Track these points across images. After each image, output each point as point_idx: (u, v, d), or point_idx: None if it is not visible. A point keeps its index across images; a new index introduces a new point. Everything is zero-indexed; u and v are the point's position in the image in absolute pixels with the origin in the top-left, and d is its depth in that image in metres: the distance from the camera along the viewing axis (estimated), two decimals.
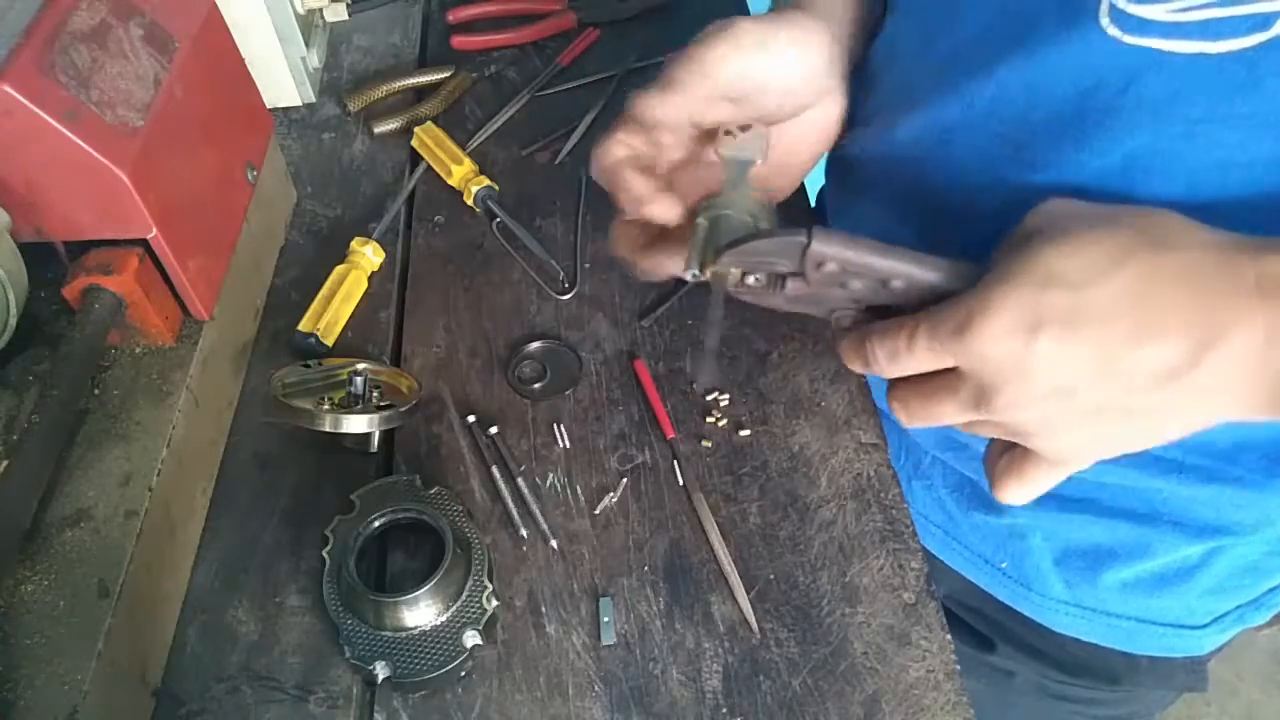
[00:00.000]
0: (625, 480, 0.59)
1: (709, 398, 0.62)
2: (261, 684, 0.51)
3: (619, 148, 0.46)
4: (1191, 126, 0.40)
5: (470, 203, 0.74)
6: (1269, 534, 0.57)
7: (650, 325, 0.67)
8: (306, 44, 0.82)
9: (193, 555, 0.56)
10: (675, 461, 0.59)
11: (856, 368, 0.42)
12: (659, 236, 0.48)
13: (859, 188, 0.61)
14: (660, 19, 0.92)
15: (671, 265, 0.46)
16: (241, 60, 0.66)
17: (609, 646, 0.52)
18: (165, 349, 0.57)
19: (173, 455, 0.53)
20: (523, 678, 0.51)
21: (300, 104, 0.84)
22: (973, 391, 0.39)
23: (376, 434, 0.60)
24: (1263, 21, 0.37)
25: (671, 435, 0.60)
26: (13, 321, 0.51)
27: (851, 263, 0.40)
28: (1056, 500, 0.61)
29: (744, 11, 0.80)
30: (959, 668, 0.51)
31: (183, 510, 0.55)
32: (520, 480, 0.58)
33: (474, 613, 0.51)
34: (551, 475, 0.59)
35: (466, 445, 0.61)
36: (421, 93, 0.85)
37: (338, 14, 0.90)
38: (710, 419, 0.61)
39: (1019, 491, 0.43)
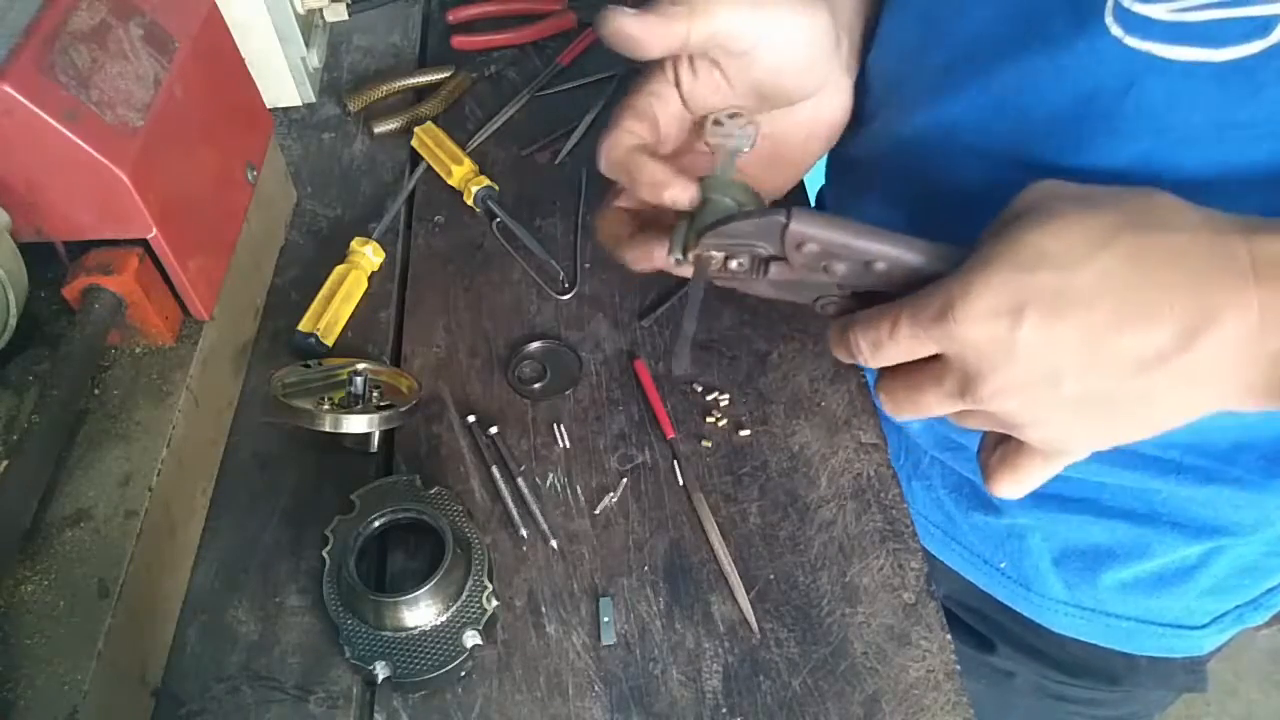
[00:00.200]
0: (625, 480, 0.59)
1: (709, 398, 0.62)
2: (261, 684, 0.51)
3: (627, 137, 0.45)
4: (1191, 135, 0.40)
5: (470, 203, 0.74)
6: (1268, 534, 0.57)
7: (650, 325, 0.67)
8: (306, 44, 0.82)
9: (193, 555, 0.56)
10: (675, 461, 0.59)
11: (842, 358, 0.42)
12: (643, 225, 0.47)
13: (860, 187, 0.61)
14: None
15: (657, 252, 0.45)
16: (241, 60, 0.66)
17: (609, 646, 0.52)
18: (165, 349, 0.57)
19: (173, 455, 0.53)
20: (523, 678, 0.51)
21: (300, 104, 0.84)
22: (957, 379, 0.38)
23: (376, 434, 0.60)
24: (1263, 25, 0.37)
25: (671, 435, 0.60)
26: (13, 321, 0.51)
27: (832, 244, 0.39)
28: (1056, 500, 0.61)
29: None
30: (959, 668, 0.51)
31: (183, 510, 0.55)
32: (520, 480, 0.58)
33: (474, 613, 0.51)
34: (551, 475, 0.59)
35: (466, 445, 0.61)
36: (421, 93, 0.85)
37: (338, 14, 0.90)
38: (710, 419, 0.61)
39: (1013, 485, 0.42)
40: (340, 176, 0.78)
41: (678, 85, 0.46)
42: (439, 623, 0.50)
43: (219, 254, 0.61)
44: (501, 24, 0.91)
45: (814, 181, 0.78)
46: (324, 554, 0.53)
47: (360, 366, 0.61)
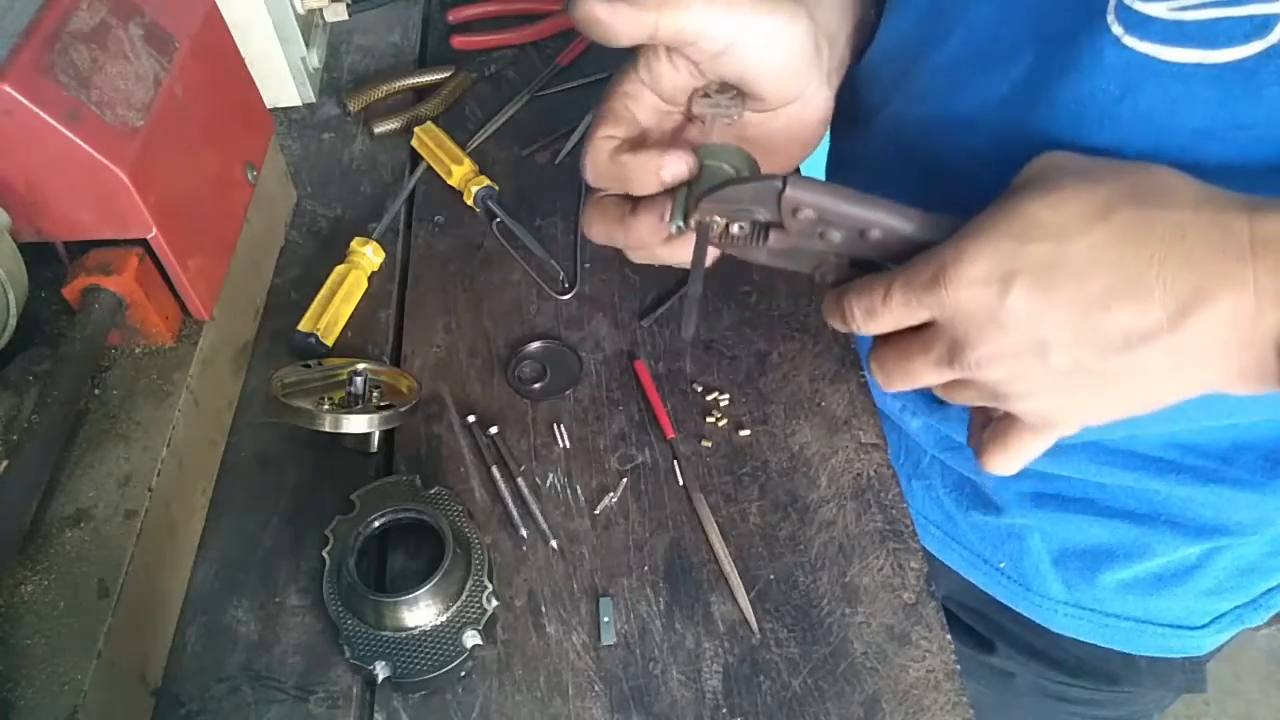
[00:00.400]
0: (625, 480, 0.59)
1: (709, 398, 0.62)
2: (261, 684, 0.51)
3: (605, 143, 0.45)
4: (1192, 137, 0.40)
5: (470, 203, 0.74)
6: (1267, 534, 0.58)
7: (650, 325, 0.67)
8: (306, 44, 0.82)
9: (193, 555, 0.56)
10: (675, 461, 0.59)
11: (837, 325, 0.42)
12: (635, 207, 0.47)
13: (859, 183, 0.61)
14: None
15: (656, 225, 0.44)
16: (241, 60, 0.66)
17: (609, 646, 0.52)
18: (165, 349, 0.57)
19: (173, 455, 0.53)
20: (523, 678, 0.51)
21: (300, 104, 0.84)
22: (946, 346, 0.38)
23: (376, 434, 0.60)
24: (1263, 25, 0.37)
25: (671, 435, 0.60)
26: (13, 321, 0.51)
27: (827, 210, 0.39)
28: (1055, 500, 0.61)
29: None
30: (959, 668, 0.51)
31: (183, 510, 0.55)
32: (520, 480, 0.58)
33: (474, 613, 0.51)
34: (551, 475, 0.59)
35: (466, 445, 0.61)
36: (421, 93, 0.85)
37: (338, 14, 0.90)
38: (710, 419, 0.61)
39: (1004, 460, 0.42)
40: (340, 176, 0.78)
41: (654, 76, 0.45)
42: (439, 623, 0.50)
43: (219, 254, 0.61)
44: (501, 24, 0.91)
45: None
46: (324, 554, 0.53)
47: (360, 366, 0.61)
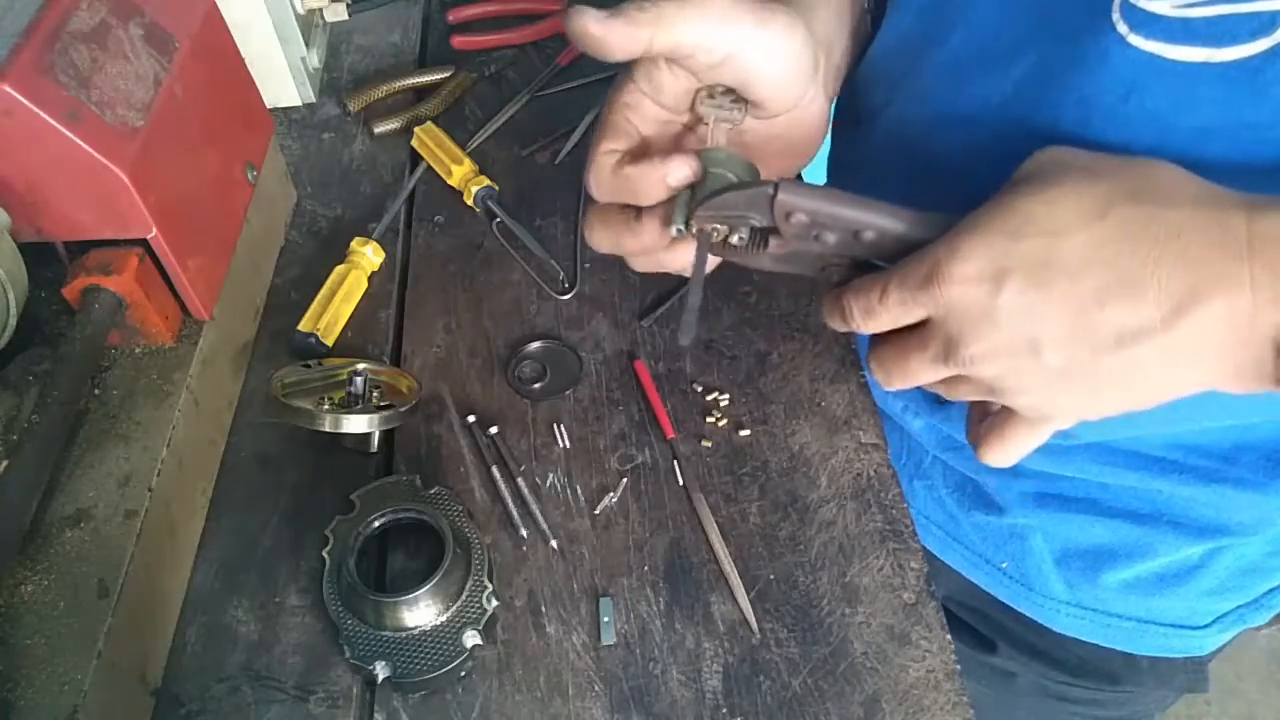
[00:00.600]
0: (625, 480, 0.59)
1: (709, 398, 0.62)
2: (261, 684, 0.51)
3: (608, 158, 0.45)
4: (1197, 136, 0.40)
5: (470, 203, 0.74)
6: (1269, 534, 0.57)
7: (650, 325, 0.67)
8: (306, 44, 0.82)
9: (193, 555, 0.56)
10: (675, 461, 0.59)
11: (837, 325, 0.42)
12: (641, 210, 0.46)
13: (861, 185, 0.61)
14: None
15: (660, 228, 0.44)
16: (241, 60, 0.66)
17: (609, 646, 0.52)
18: (165, 349, 0.57)
19: (173, 455, 0.53)
20: (523, 678, 0.51)
21: (300, 104, 0.84)
22: (942, 343, 0.38)
23: (376, 434, 0.60)
24: (1269, 22, 0.37)
25: (671, 435, 0.60)
26: (13, 321, 0.51)
27: (819, 213, 0.40)
28: (1057, 500, 0.61)
29: None
30: (959, 668, 0.51)
31: (183, 510, 0.55)
32: (520, 480, 0.58)
33: (474, 613, 0.51)
34: (551, 475, 0.59)
35: (466, 445, 0.61)
36: (421, 93, 0.85)
37: (338, 14, 0.90)
38: (710, 419, 0.61)
39: (1001, 452, 0.42)
40: (340, 176, 0.78)
41: (654, 87, 0.45)
42: (439, 623, 0.50)
43: (219, 254, 0.61)
44: (501, 24, 0.91)
45: (815, 179, 0.78)
46: (324, 554, 0.53)
47: (360, 366, 0.61)
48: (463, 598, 0.51)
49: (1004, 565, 0.67)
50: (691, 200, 0.42)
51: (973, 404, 0.45)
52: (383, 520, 0.53)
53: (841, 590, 0.54)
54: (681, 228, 0.42)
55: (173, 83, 0.55)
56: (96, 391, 0.55)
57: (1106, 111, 0.42)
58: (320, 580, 0.52)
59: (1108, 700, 0.71)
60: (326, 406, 0.58)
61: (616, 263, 0.70)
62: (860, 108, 0.62)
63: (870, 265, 0.42)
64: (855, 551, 0.55)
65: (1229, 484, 0.54)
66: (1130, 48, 0.40)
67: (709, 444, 0.60)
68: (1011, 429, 0.41)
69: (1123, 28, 0.40)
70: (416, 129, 0.78)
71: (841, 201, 0.40)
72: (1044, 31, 0.44)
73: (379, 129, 0.81)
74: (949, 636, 0.52)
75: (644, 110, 0.46)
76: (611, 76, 0.86)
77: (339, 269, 0.68)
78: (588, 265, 0.71)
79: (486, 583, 0.52)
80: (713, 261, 0.45)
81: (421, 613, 0.50)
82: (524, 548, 0.56)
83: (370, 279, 0.70)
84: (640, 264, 0.47)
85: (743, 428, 0.61)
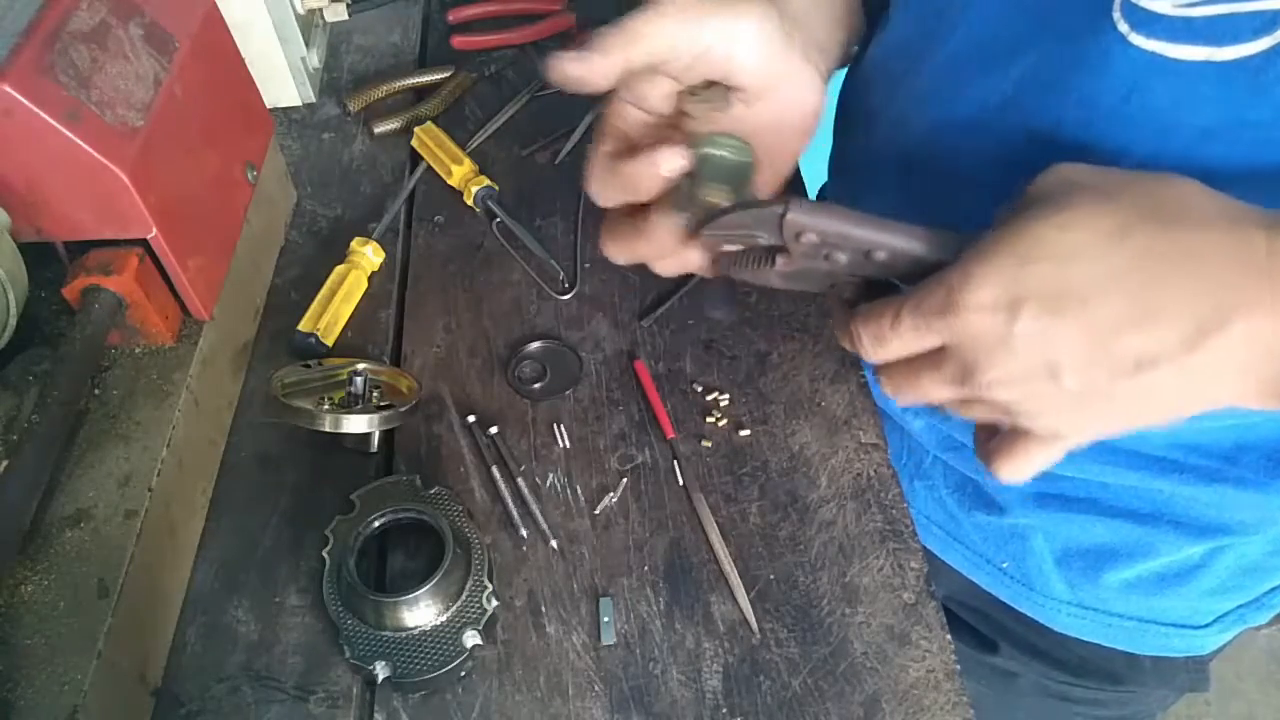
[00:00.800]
0: (625, 480, 0.59)
1: (709, 398, 0.62)
2: (261, 684, 0.51)
3: (605, 160, 0.45)
4: (1198, 136, 0.40)
5: (470, 203, 0.74)
6: (1270, 534, 0.57)
7: (650, 325, 0.67)
8: (306, 44, 0.82)
9: (193, 555, 0.56)
10: (675, 461, 0.59)
11: (847, 346, 0.42)
12: (649, 213, 0.47)
13: (863, 184, 0.61)
14: None
15: (670, 223, 0.45)
16: (241, 60, 0.66)
17: (609, 646, 0.52)
18: (165, 349, 0.57)
19: (173, 455, 0.53)
20: (523, 678, 0.51)
21: (300, 104, 0.84)
22: (957, 367, 0.38)
23: (376, 434, 0.60)
24: (1271, 21, 0.37)
25: (671, 435, 0.60)
26: (13, 321, 0.51)
27: (829, 233, 0.39)
28: (1058, 500, 0.61)
29: None
30: (959, 668, 0.51)
31: (183, 510, 0.55)
32: (520, 480, 0.58)
33: (474, 613, 0.51)
34: (551, 475, 0.59)
35: (466, 445, 0.61)
36: (421, 93, 0.85)
37: (338, 14, 0.90)
38: (710, 419, 0.61)
39: (1012, 470, 0.42)
40: (340, 176, 0.78)
41: (637, 96, 0.46)
42: (439, 623, 0.50)
43: (219, 254, 0.61)
44: (501, 24, 0.91)
45: (816, 179, 0.78)
46: (324, 554, 0.53)
47: (360, 366, 0.61)
48: (463, 598, 0.51)
49: (1005, 565, 0.67)
50: (691, 185, 0.42)
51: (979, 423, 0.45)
52: (383, 520, 0.53)
53: (841, 590, 0.54)
54: (681, 209, 0.43)
55: (173, 83, 0.55)
56: (96, 391, 0.55)
57: (1108, 111, 0.42)
58: (320, 580, 0.52)
59: (1109, 700, 0.71)
60: (326, 406, 0.58)
61: (618, 264, 0.71)
62: (860, 109, 0.62)
63: (882, 283, 0.41)
64: (855, 551, 0.55)
65: (1230, 483, 0.54)
66: (1131, 47, 0.40)
67: (709, 444, 0.60)
68: (1025, 447, 0.41)
69: (1124, 27, 0.40)
70: (416, 129, 0.78)
71: (853, 220, 0.39)
72: (1044, 31, 0.44)
73: (379, 129, 0.81)
74: (949, 636, 0.52)
75: (631, 117, 0.47)
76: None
77: (339, 269, 0.68)
78: (588, 265, 0.71)
79: (486, 583, 0.52)
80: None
81: (421, 613, 0.50)
82: (524, 548, 0.56)
83: (370, 279, 0.70)
84: (663, 268, 0.48)
85: (743, 428, 0.61)
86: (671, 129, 0.48)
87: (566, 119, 0.82)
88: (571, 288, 0.69)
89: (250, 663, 0.52)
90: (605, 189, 0.45)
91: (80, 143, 0.48)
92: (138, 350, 0.57)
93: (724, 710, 0.50)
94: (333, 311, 0.66)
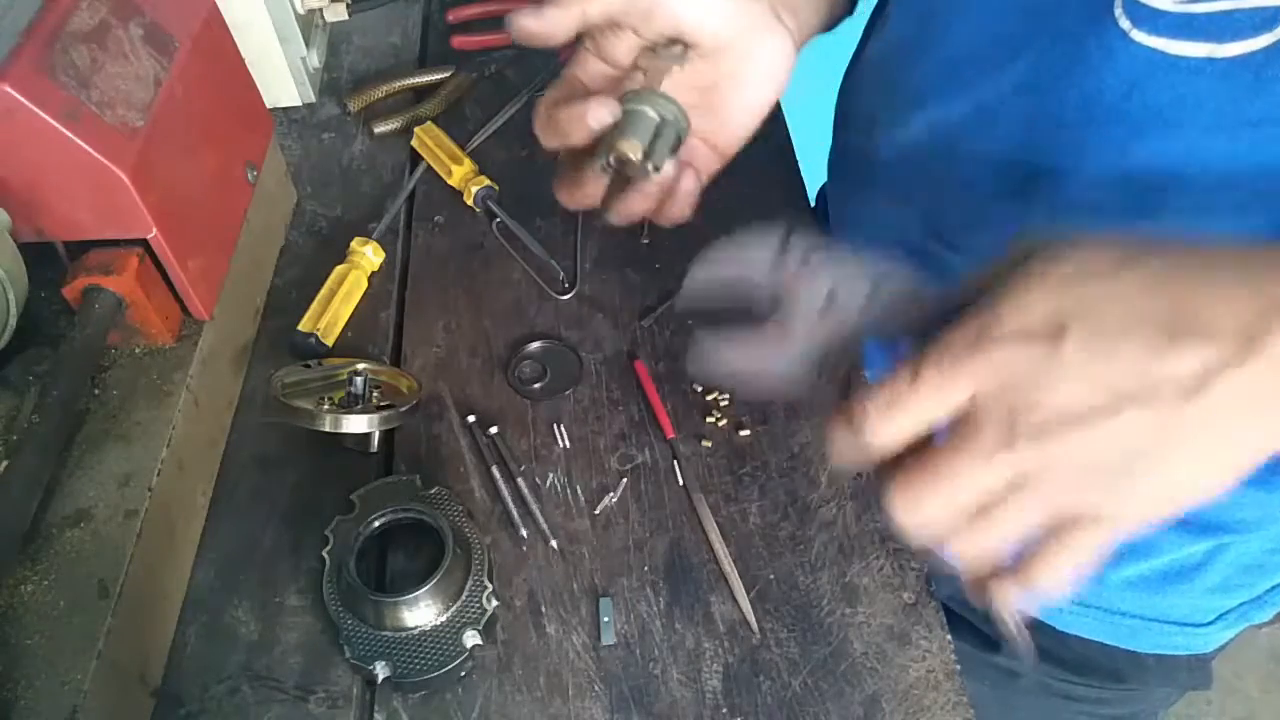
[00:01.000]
0: (625, 480, 0.59)
1: (709, 398, 0.62)
2: (261, 684, 0.51)
3: (547, 104, 0.46)
4: (1199, 134, 0.40)
5: (470, 203, 0.74)
6: (1272, 531, 0.57)
7: (650, 325, 0.67)
8: (306, 44, 0.82)
9: (193, 555, 0.56)
10: (675, 461, 0.59)
11: (842, 447, 0.35)
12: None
13: (862, 185, 0.61)
14: None
15: (595, 172, 0.46)
16: (241, 60, 0.66)
17: (609, 646, 0.52)
18: (165, 349, 0.57)
19: (173, 455, 0.53)
20: (523, 678, 0.51)
21: (300, 104, 0.84)
22: (1002, 418, 0.32)
23: (376, 434, 0.60)
24: (1272, 18, 0.37)
25: (671, 435, 0.60)
26: (13, 321, 0.51)
27: (831, 261, 0.37)
28: None
29: None
30: (959, 667, 0.51)
31: (183, 510, 0.55)
32: (520, 480, 0.58)
33: (474, 613, 0.51)
34: (551, 475, 0.59)
35: (466, 445, 0.61)
36: (421, 93, 0.85)
37: (338, 14, 0.90)
38: (710, 419, 0.61)
39: (1058, 569, 0.34)
40: (340, 176, 0.78)
41: (599, 46, 0.46)
42: (439, 623, 0.50)
43: (219, 254, 0.61)
44: (501, 24, 0.90)
45: (816, 180, 0.78)
46: (324, 554, 0.53)
47: (360, 366, 0.61)
48: (463, 598, 0.51)
49: None
50: (613, 133, 0.43)
51: (970, 580, 0.37)
52: (383, 520, 0.53)
53: (841, 590, 0.54)
54: (605, 162, 0.44)
55: (173, 83, 0.55)
56: (96, 391, 0.55)
57: (1108, 109, 0.42)
58: (320, 580, 0.52)
59: (1111, 698, 0.71)
60: (326, 406, 0.58)
61: (616, 263, 0.71)
62: (859, 110, 0.62)
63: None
64: (855, 551, 0.55)
65: None
66: (1134, 44, 0.40)
67: (709, 444, 0.60)
68: (1074, 537, 0.33)
69: (1125, 24, 0.40)
70: (416, 129, 0.78)
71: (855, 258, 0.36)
72: (1045, 29, 0.44)
73: (379, 129, 0.81)
74: (949, 636, 0.52)
75: (590, 67, 0.47)
76: None
77: (339, 269, 0.68)
78: (588, 265, 0.71)
79: (486, 583, 0.52)
80: (642, 194, 0.46)
81: (421, 613, 0.50)
82: (524, 548, 0.56)
83: (370, 279, 0.70)
84: (612, 216, 0.48)
85: (743, 428, 0.61)
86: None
87: None
88: (571, 288, 0.69)
89: (250, 663, 0.52)
90: (544, 132, 0.47)
91: (80, 143, 0.48)
92: (138, 350, 0.57)
93: (724, 710, 0.50)
94: (333, 311, 0.66)
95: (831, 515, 0.57)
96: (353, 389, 0.59)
